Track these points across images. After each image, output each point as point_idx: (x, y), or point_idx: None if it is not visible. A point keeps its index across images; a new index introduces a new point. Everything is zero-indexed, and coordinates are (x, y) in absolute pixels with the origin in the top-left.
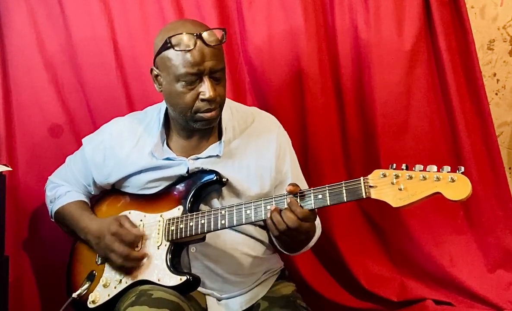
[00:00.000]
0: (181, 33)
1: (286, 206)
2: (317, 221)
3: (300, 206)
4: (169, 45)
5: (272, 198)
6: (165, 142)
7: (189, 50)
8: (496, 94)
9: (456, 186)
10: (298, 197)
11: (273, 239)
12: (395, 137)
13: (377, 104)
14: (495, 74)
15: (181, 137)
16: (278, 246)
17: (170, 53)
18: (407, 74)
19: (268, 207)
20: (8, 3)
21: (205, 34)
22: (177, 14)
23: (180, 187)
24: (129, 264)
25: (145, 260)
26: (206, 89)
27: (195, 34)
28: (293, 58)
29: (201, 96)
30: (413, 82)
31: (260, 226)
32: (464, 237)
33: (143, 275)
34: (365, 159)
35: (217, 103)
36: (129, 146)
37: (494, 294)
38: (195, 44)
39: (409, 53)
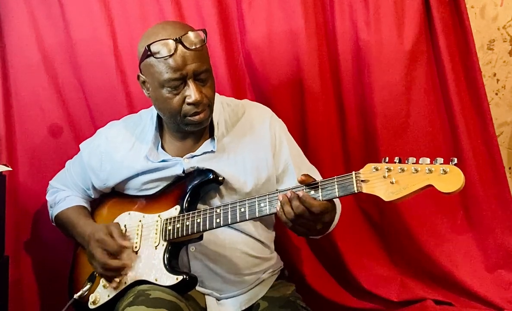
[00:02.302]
0: (161, 39)
1: (279, 203)
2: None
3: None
4: (149, 53)
5: (265, 195)
6: (159, 145)
7: (170, 56)
8: (496, 94)
9: (448, 178)
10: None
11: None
12: (395, 137)
13: (377, 104)
14: (495, 74)
15: (175, 139)
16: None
17: (151, 60)
18: (407, 74)
19: (262, 204)
20: (8, 3)
21: (185, 37)
22: (177, 15)
23: (178, 187)
24: (107, 274)
25: (143, 260)
26: (191, 92)
27: (174, 39)
28: (293, 58)
29: (187, 100)
30: (413, 82)
31: (259, 226)
32: (464, 237)
33: (141, 275)
34: (365, 159)
35: (204, 105)
36: (125, 150)
37: (494, 294)
38: (175, 49)
39: (409, 53)
